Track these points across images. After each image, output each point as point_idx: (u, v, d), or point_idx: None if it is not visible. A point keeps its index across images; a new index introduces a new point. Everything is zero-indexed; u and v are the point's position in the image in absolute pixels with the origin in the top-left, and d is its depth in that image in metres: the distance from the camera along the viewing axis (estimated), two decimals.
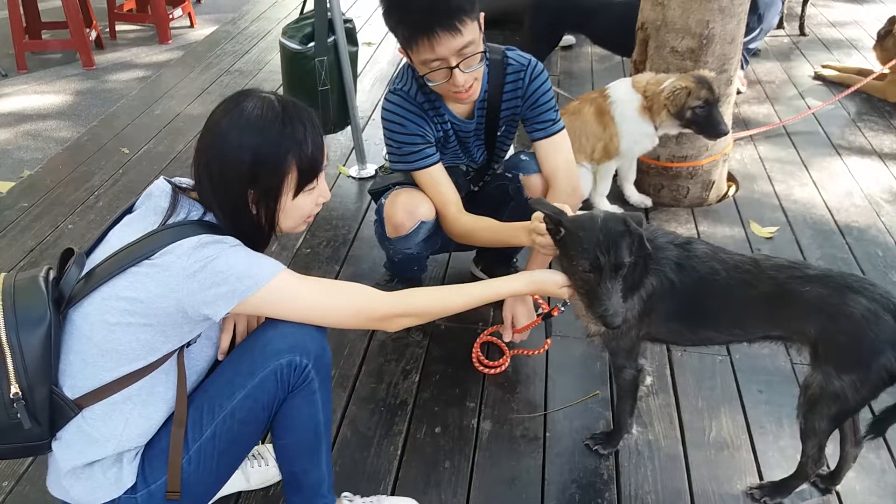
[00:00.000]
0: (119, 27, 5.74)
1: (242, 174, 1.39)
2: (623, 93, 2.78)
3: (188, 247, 1.34)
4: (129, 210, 1.49)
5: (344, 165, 3.44)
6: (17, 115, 4.27)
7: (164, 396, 1.46)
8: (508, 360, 2.29)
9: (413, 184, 2.16)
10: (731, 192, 3.28)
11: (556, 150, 2.16)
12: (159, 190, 1.45)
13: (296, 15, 3.17)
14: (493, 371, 2.27)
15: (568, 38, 4.86)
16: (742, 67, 4.17)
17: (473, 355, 2.30)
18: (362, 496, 1.82)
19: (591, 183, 2.98)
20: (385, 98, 2.13)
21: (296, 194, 1.46)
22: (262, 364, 1.46)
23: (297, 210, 1.50)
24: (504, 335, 2.20)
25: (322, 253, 2.87)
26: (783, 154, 3.58)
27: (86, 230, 3.00)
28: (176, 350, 1.44)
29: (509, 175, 2.26)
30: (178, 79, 4.59)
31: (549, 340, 2.23)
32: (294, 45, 2.95)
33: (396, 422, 2.12)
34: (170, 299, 1.34)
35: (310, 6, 3.00)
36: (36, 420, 1.34)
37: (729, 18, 2.65)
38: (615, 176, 3.12)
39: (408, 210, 2.10)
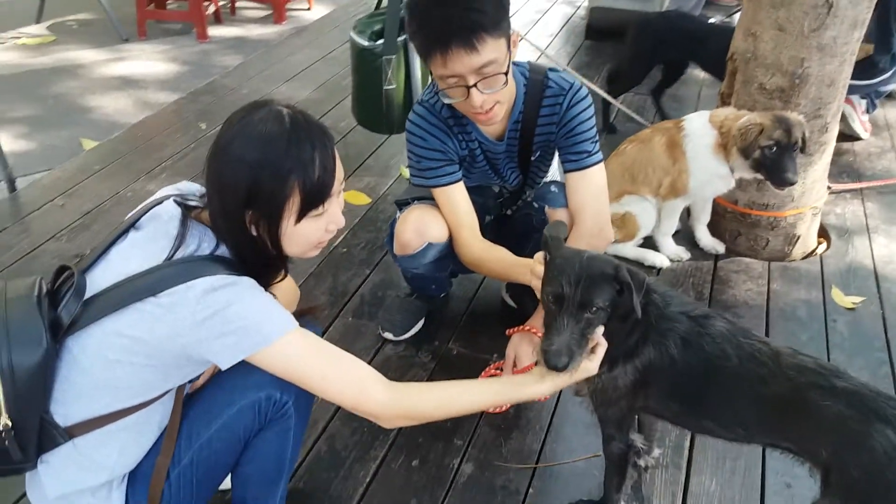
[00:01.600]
0: (240, 4, 5.92)
1: (239, 193, 1.29)
2: (699, 126, 2.52)
3: (200, 290, 1.25)
4: (133, 226, 1.39)
5: (406, 167, 3.35)
6: (125, 79, 4.48)
7: (160, 424, 1.43)
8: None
9: (434, 200, 2.04)
10: (819, 250, 2.92)
11: (587, 186, 1.96)
12: (168, 214, 1.38)
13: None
14: (494, 410, 2.09)
15: None
16: (868, 111, 3.73)
17: None
18: None
19: (655, 220, 2.74)
20: (412, 109, 2.01)
21: (298, 220, 1.34)
22: (242, 395, 1.41)
23: (302, 237, 1.37)
24: (504, 374, 2.04)
25: (357, 255, 2.79)
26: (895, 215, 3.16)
27: (142, 198, 3.07)
28: (174, 388, 1.41)
29: (536, 206, 2.08)
30: (274, 60, 4.66)
31: None
32: (362, 41, 2.88)
33: (375, 446, 2.00)
34: (175, 343, 1.27)
35: (385, 2, 2.92)
36: (24, 449, 1.29)
37: (829, 58, 2.33)
38: (688, 216, 2.86)
39: (417, 229, 1.98)
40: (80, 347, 1.29)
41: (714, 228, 2.89)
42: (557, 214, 2.03)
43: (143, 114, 3.98)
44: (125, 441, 1.38)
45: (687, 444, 2.03)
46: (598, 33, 5.03)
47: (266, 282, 1.49)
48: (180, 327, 1.26)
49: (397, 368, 2.26)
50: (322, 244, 1.46)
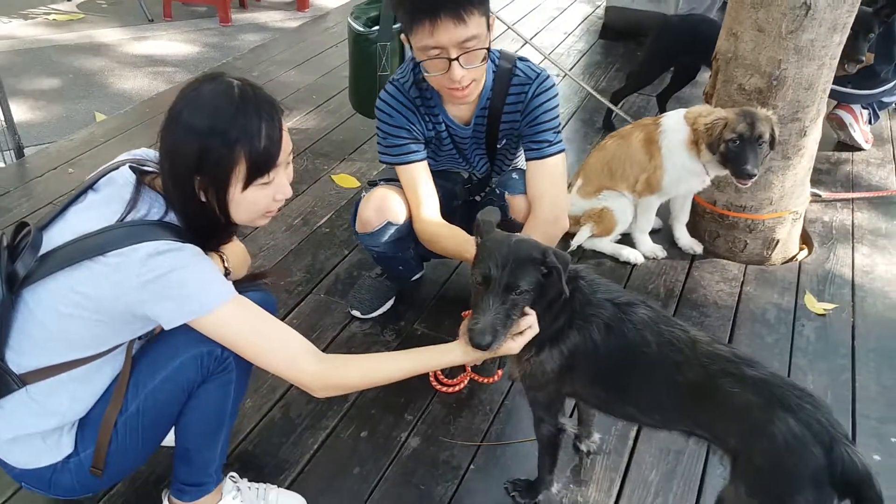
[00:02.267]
0: None
1: (189, 159, 1.37)
2: (673, 123, 2.55)
3: (144, 253, 1.34)
4: (91, 188, 1.48)
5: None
6: (146, 58, 4.63)
7: (110, 375, 1.51)
8: (466, 381, 2.18)
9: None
10: (800, 256, 2.92)
11: (546, 174, 2.01)
12: (123, 179, 1.46)
13: None
14: (447, 389, 2.16)
15: None
16: (870, 122, 3.70)
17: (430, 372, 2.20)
18: (251, 481, 1.80)
19: (632, 216, 2.77)
20: (383, 88, 2.07)
21: (245, 187, 1.41)
22: (185, 349, 1.48)
23: (249, 204, 1.45)
24: None
25: (339, 236, 2.86)
26: (883, 226, 3.13)
27: None
28: (126, 342, 1.49)
29: (497, 192, 2.13)
30: (287, 46, 4.76)
31: (500, 371, 2.10)
32: (357, 27, 2.95)
33: (328, 416, 2.07)
34: (120, 302, 1.36)
35: None
36: None
37: (807, 61, 2.34)
38: (667, 215, 2.89)
39: (378, 208, 2.05)
40: (35, 300, 1.38)
41: (693, 229, 2.90)
42: (516, 201, 2.08)
43: (157, 91, 4.11)
44: (76, 390, 1.47)
45: (633, 433, 2.06)
46: (613, 33, 5.04)
47: (212, 248, 1.58)
48: (125, 287, 1.34)
49: (361, 345, 2.33)
50: (270, 213, 1.53)
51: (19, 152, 3.21)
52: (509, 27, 3.71)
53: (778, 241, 2.80)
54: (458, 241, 1.95)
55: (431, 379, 2.18)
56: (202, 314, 1.38)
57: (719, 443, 1.46)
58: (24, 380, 1.42)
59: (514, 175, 2.13)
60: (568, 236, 2.87)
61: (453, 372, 2.21)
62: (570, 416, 2.02)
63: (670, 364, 1.47)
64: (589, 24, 5.40)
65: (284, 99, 3.98)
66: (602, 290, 1.57)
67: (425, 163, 2.04)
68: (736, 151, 2.34)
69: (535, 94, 2.00)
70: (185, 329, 1.42)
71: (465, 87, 1.86)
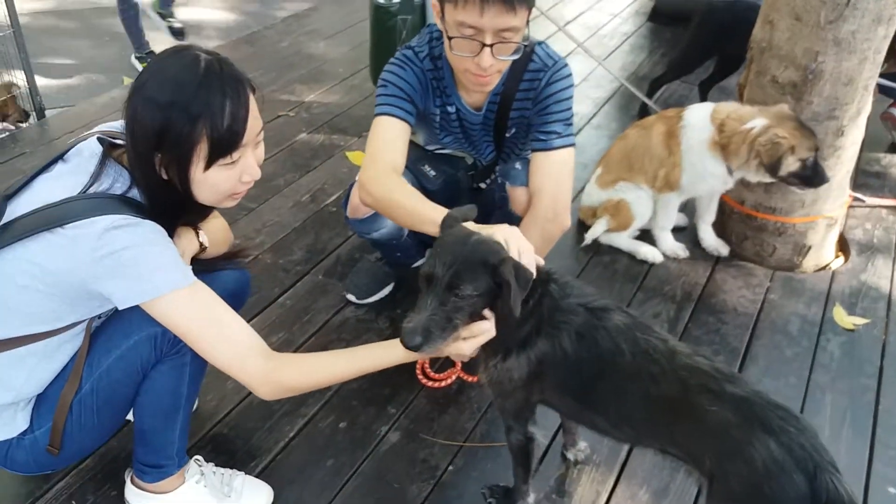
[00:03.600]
0: None
1: (149, 134, 1.30)
2: (698, 120, 2.38)
3: (101, 227, 1.28)
4: (61, 158, 1.43)
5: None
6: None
7: (69, 354, 1.47)
8: (454, 377, 2.09)
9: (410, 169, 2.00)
10: (834, 265, 2.73)
11: (550, 167, 1.86)
12: (90, 150, 1.41)
13: None
14: (433, 385, 2.07)
15: None
16: None
17: (419, 364, 2.11)
18: (220, 465, 1.74)
19: (651, 211, 2.63)
20: (401, 49, 1.94)
21: (207, 167, 1.33)
22: (139, 328, 1.44)
23: (212, 185, 1.37)
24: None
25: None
26: None
27: None
28: (86, 320, 1.44)
29: (499, 181, 2.01)
30: (321, 17, 4.69)
31: None
32: None
33: (308, 403, 2.01)
34: (75, 276, 1.31)
35: None
36: None
37: (847, 55, 2.14)
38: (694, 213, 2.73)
39: None
40: None
41: (721, 229, 2.74)
42: (517, 193, 1.96)
43: None
44: (33, 366, 1.43)
45: (626, 448, 1.95)
46: (663, 17, 4.83)
47: (182, 225, 1.51)
48: (80, 261, 1.29)
49: (353, 331, 2.26)
50: (238, 195, 1.45)
51: (40, 114, 3.22)
52: (542, 13, 3.55)
53: (810, 248, 2.62)
54: (410, 211, 1.65)
55: (418, 372, 2.09)
56: (152, 297, 1.32)
57: (695, 463, 1.34)
58: None
59: (518, 165, 2.01)
60: (583, 229, 2.75)
61: (442, 366, 2.12)
62: (559, 429, 1.92)
63: (645, 375, 1.35)
64: (638, 7, 5.19)
65: (309, 71, 3.93)
66: (575, 295, 1.45)
67: (407, 127, 1.85)
68: (813, 169, 2.23)
69: (549, 81, 1.86)
70: (141, 308, 1.36)
71: (487, 75, 1.74)
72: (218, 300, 1.39)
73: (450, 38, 1.69)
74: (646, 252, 2.65)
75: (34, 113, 3.21)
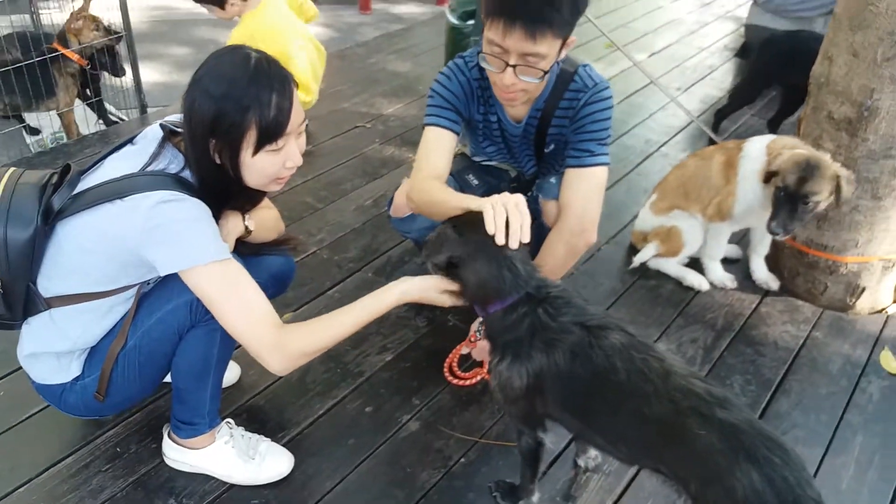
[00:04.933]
0: None
1: (205, 122, 1.47)
2: (755, 150, 2.39)
3: (154, 200, 1.45)
4: (130, 141, 1.64)
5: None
6: None
7: (120, 314, 1.66)
8: (479, 378, 2.18)
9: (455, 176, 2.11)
10: (892, 310, 2.65)
11: (580, 184, 1.94)
12: (153, 134, 1.61)
13: None
14: (459, 383, 2.17)
15: None
16: None
17: (447, 362, 2.22)
18: (248, 431, 1.90)
19: (702, 240, 2.64)
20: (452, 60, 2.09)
21: (255, 152, 1.51)
22: (179, 294, 1.60)
23: (259, 169, 1.54)
24: (468, 347, 2.11)
25: None
26: None
27: None
28: (136, 284, 1.63)
29: (534, 195, 2.10)
30: (410, 38, 4.89)
31: None
32: (453, 19, 3.01)
33: (340, 386, 2.15)
34: (127, 243, 1.49)
35: None
36: (9, 307, 1.57)
37: None
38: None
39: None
40: (65, 233, 1.54)
41: (774, 263, 2.71)
42: (548, 206, 2.05)
43: None
44: (89, 321, 1.63)
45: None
46: (750, 52, 4.78)
47: (231, 208, 1.68)
48: (133, 229, 1.47)
49: (391, 326, 2.39)
50: (282, 180, 1.62)
51: (143, 110, 3.55)
52: (619, 48, 3.62)
53: (864, 289, 2.56)
54: (445, 201, 1.79)
55: (445, 371, 2.20)
56: (189, 266, 1.48)
57: (682, 485, 1.36)
58: (49, 303, 1.59)
59: (552, 179, 2.10)
60: (633, 251, 2.79)
61: (469, 367, 2.22)
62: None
63: (639, 395, 1.38)
64: (728, 42, 5.15)
65: (391, 86, 4.13)
66: (572, 313, 1.50)
67: (452, 136, 1.98)
68: (777, 203, 2.23)
69: (588, 102, 1.94)
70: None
71: (511, 91, 1.84)
72: (247, 278, 1.53)
73: (483, 53, 1.81)
74: (692, 279, 2.66)
75: (137, 109, 3.54)
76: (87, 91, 3.55)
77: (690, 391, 1.35)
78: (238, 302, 1.51)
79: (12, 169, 1.60)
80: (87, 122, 3.66)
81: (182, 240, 1.47)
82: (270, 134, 1.49)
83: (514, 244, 1.50)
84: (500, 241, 1.49)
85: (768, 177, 2.24)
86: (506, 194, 1.55)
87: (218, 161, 1.52)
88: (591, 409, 1.49)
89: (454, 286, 1.61)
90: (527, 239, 1.51)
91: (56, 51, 3.35)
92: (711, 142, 3.60)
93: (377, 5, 5.68)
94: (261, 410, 2.06)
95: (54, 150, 3.38)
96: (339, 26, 5.23)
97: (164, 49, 4.61)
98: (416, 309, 2.45)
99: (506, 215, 1.50)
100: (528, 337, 1.51)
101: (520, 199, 1.54)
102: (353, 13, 5.54)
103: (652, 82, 3.90)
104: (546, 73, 1.77)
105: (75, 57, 3.39)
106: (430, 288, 1.63)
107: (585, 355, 1.45)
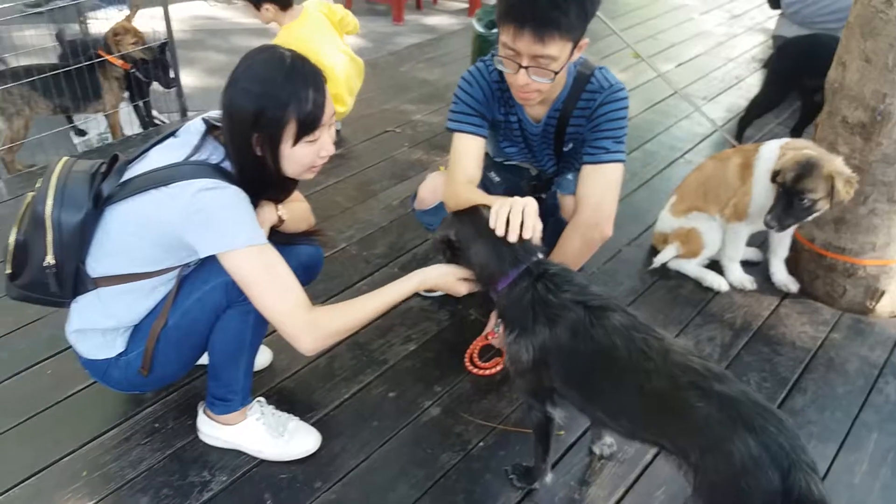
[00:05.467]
0: None
1: (246, 118, 1.58)
2: (770, 151, 2.45)
3: (196, 187, 1.55)
4: (173, 134, 1.73)
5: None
6: None
7: (162, 294, 1.77)
8: (499, 367, 2.25)
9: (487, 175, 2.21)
10: None
11: (596, 179, 2.01)
12: (195, 127, 1.72)
13: None
14: (479, 372, 2.25)
15: None
16: None
17: (468, 352, 2.30)
18: (278, 409, 2.00)
19: (721, 241, 2.70)
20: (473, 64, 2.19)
21: (295, 143, 1.63)
22: (216, 276, 1.71)
23: (298, 158, 1.66)
24: (490, 337, 2.19)
25: None
26: None
27: None
28: (178, 267, 1.75)
29: (552, 191, 2.18)
30: (440, 48, 5.03)
31: None
32: (479, 28, 3.11)
33: (366, 373, 2.24)
34: (170, 227, 1.61)
35: None
36: (60, 285, 1.69)
37: None
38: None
39: (434, 188, 2.18)
40: (112, 217, 1.66)
41: (793, 266, 2.75)
42: (566, 200, 2.13)
43: None
44: (133, 301, 1.75)
45: (653, 451, 2.03)
46: None
47: (262, 197, 1.78)
48: (175, 214, 1.58)
49: (414, 318, 2.48)
50: (316, 168, 1.73)
51: (183, 113, 3.71)
52: (644, 60, 3.70)
53: (883, 292, 2.59)
54: (470, 199, 1.87)
55: (466, 361, 2.28)
56: (227, 249, 1.58)
57: (683, 456, 1.43)
58: (97, 283, 1.71)
59: (570, 176, 2.18)
60: (653, 252, 2.85)
61: (489, 357, 2.30)
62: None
63: (639, 371, 1.46)
64: (756, 53, 5.19)
65: (420, 93, 4.26)
66: (573, 291, 1.59)
67: (480, 140, 2.08)
68: (777, 198, 2.31)
69: (603, 102, 2.02)
70: (218, 260, 1.63)
71: (526, 92, 1.91)
72: (282, 262, 1.63)
73: (498, 55, 1.90)
74: (712, 280, 2.71)
75: (178, 112, 3.70)
76: (132, 94, 3.73)
77: (689, 367, 1.42)
78: (272, 284, 1.61)
79: (65, 158, 1.74)
80: (131, 123, 3.83)
81: (221, 224, 1.58)
82: (308, 126, 1.60)
83: (511, 238, 1.62)
84: (499, 232, 1.62)
85: (774, 175, 2.29)
86: (517, 198, 1.65)
87: (259, 153, 1.63)
88: (593, 384, 1.58)
89: (468, 273, 1.70)
90: (527, 235, 1.63)
91: (101, 56, 3.52)
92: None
93: (410, 16, 5.82)
94: (291, 392, 2.16)
95: (100, 150, 3.56)
96: (373, 36, 5.37)
97: (203, 56, 4.79)
98: (441, 304, 2.54)
99: (508, 213, 1.62)
100: (530, 311, 1.60)
101: (530, 202, 1.65)
102: (386, 24, 5.69)
103: (676, 92, 3.98)
104: (557, 73, 1.84)
105: (118, 62, 3.55)
106: (446, 275, 1.74)
107: (587, 332, 1.53)
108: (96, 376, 1.85)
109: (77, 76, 3.40)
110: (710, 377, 1.39)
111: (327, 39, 3.31)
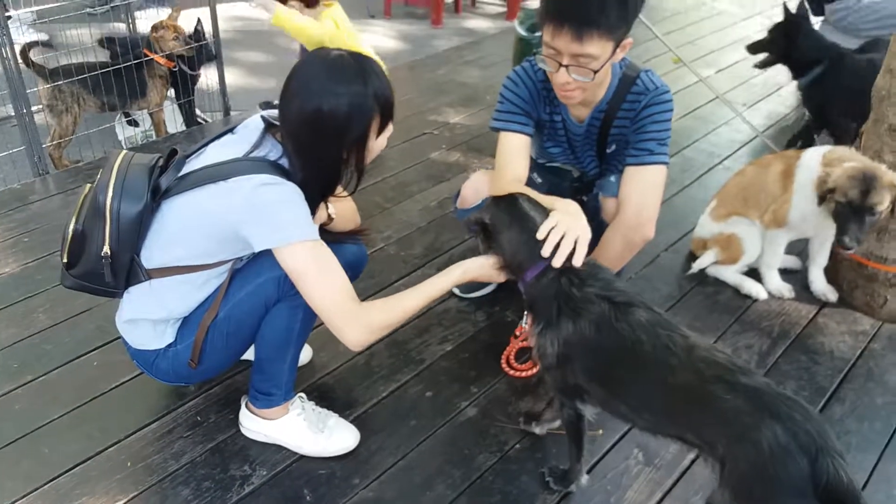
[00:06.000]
0: None
1: (339, 123, 1.61)
2: (811, 159, 2.43)
3: (256, 182, 1.59)
4: (231, 130, 1.80)
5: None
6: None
7: (213, 287, 1.82)
8: (535, 370, 2.26)
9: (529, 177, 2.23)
10: None
11: (639, 180, 2.03)
12: (254, 124, 1.76)
13: None
14: (516, 374, 2.27)
15: None
16: None
17: (504, 354, 2.32)
18: (318, 406, 2.04)
19: (760, 248, 2.68)
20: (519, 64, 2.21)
21: (378, 135, 1.70)
22: (269, 270, 1.75)
23: (377, 148, 1.73)
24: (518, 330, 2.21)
25: None
26: None
27: None
28: (231, 260, 1.79)
29: (594, 193, 2.19)
30: (480, 49, 5.06)
31: None
32: (521, 31, 3.12)
33: (403, 371, 2.27)
34: (228, 219, 1.65)
35: None
36: (115, 275, 1.75)
37: None
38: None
39: (476, 187, 2.20)
40: (170, 209, 1.71)
41: (833, 275, 2.72)
42: (608, 203, 2.14)
43: None
44: (185, 292, 1.79)
45: (690, 456, 2.03)
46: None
47: (328, 195, 1.82)
48: (234, 208, 1.62)
49: (452, 319, 2.50)
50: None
51: (226, 112, 3.79)
52: (686, 64, 3.70)
53: None
54: None
55: (503, 363, 2.29)
56: (283, 243, 1.62)
57: (709, 449, 1.45)
58: (150, 274, 1.75)
59: (612, 178, 2.19)
60: (692, 258, 2.84)
61: (526, 360, 2.31)
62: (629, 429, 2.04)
63: (664, 366, 1.49)
64: None
65: (458, 96, 4.29)
66: (598, 286, 1.61)
67: (527, 139, 2.11)
68: (842, 217, 2.26)
69: (648, 104, 2.03)
70: (272, 253, 1.66)
71: (567, 90, 1.93)
72: (333, 258, 1.67)
73: (540, 53, 1.92)
74: (750, 287, 2.69)
75: (221, 111, 3.78)
76: (177, 92, 3.81)
77: (714, 361, 1.45)
78: (324, 278, 1.65)
79: (125, 151, 1.79)
80: (175, 121, 3.91)
81: (278, 219, 1.62)
82: (389, 114, 1.68)
83: (555, 264, 1.64)
84: (544, 253, 1.64)
85: (824, 195, 2.27)
86: (574, 223, 1.69)
87: (345, 154, 1.67)
88: (617, 379, 1.60)
89: (500, 260, 1.73)
90: (576, 263, 1.65)
91: (146, 55, 3.60)
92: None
93: (449, 20, 5.86)
94: (330, 389, 2.20)
95: (144, 146, 3.64)
96: (412, 39, 5.42)
97: (244, 56, 4.88)
98: (478, 305, 2.56)
99: (560, 237, 1.64)
100: (554, 304, 1.62)
101: (585, 232, 1.69)
102: (425, 27, 5.73)
103: (718, 97, 3.95)
104: (597, 72, 1.86)
105: (162, 60, 3.63)
106: (486, 265, 1.76)
107: (610, 328, 1.55)
108: (144, 367, 1.89)
109: (125, 74, 3.49)
110: (736, 371, 1.42)
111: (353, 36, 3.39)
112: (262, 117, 1.76)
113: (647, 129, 2.03)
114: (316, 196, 1.74)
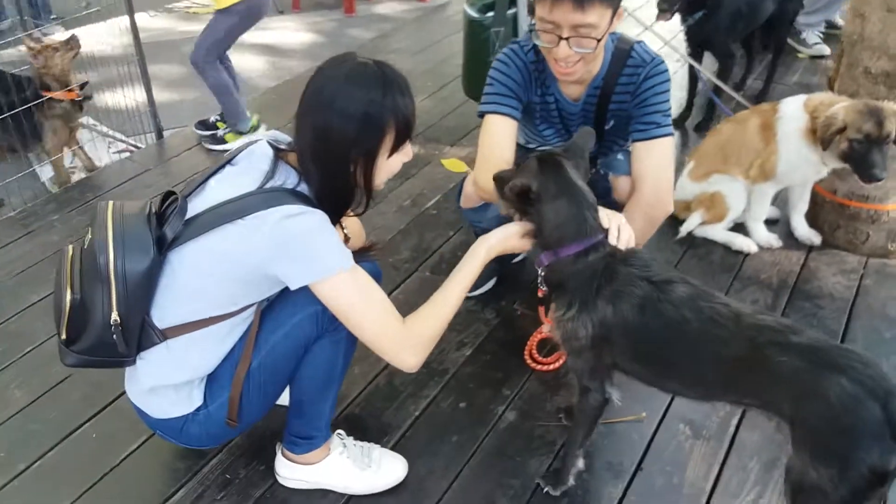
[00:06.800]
0: None
1: (348, 138, 1.48)
2: (792, 110, 2.46)
3: (278, 216, 1.44)
4: (229, 162, 1.60)
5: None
6: (270, 47, 4.90)
7: (239, 335, 1.64)
8: (561, 360, 2.21)
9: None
10: None
11: (650, 155, 1.99)
12: (260, 151, 1.59)
13: None
14: (542, 367, 2.21)
15: (821, 48, 4.31)
16: None
17: (526, 349, 2.25)
18: (357, 440, 1.91)
19: (745, 203, 2.70)
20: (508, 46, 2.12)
21: (390, 154, 1.55)
22: (304, 306, 1.60)
23: (390, 169, 1.59)
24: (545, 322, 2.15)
25: (445, 218, 2.96)
26: None
27: None
28: (256, 303, 1.62)
29: (602, 173, 2.14)
30: (407, 35, 4.92)
31: None
32: (472, 13, 3.02)
33: (430, 385, 2.17)
34: (253, 259, 1.48)
35: None
36: (127, 343, 1.54)
37: None
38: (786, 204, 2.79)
39: None
40: (179, 260, 1.53)
41: (812, 219, 2.79)
42: (620, 182, 2.09)
43: (279, 79, 4.36)
44: (208, 347, 1.61)
45: (734, 421, 2.03)
46: None
47: (341, 216, 1.68)
48: (258, 245, 1.46)
49: (463, 321, 2.41)
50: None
51: (159, 134, 3.51)
52: (630, 14, 3.65)
53: None
54: None
55: (526, 357, 2.23)
56: (322, 277, 1.48)
57: (773, 409, 1.44)
58: (165, 334, 1.56)
59: (620, 156, 2.14)
60: (677, 223, 2.84)
61: (549, 352, 2.25)
62: (669, 405, 2.02)
63: (714, 339, 1.46)
64: None
65: None
66: (638, 266, 1.57)
67: (515, 123, 2.03)
68: (862, 153, 2.25)
69: (648, 76, 1.99)
70: (304, 288, 1.51)
71: (569, 66, 1.88)
72: (371, 281, 1.55)
73: (537, 31, 1.85)
74: (741, 243, 2.72)
75: (154, 133, 3.50)
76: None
77: (763, 326, 1.43)
78: (370, 307, 1.53)
79: (112, 202, 1.59)
80: (98, 152, 3.59)
81: (311, 252, 1.48)
82: (405, 134, 1.54)
83: (620, 245, 1.61)
84: (613, 239, 1.61)
85: (831, 137, 2.28)
86: (611, 212, 1.67)
87: (352, 170, 1.53)
88: (666, 360, 1.57)
89: (528, 227, 1.63)
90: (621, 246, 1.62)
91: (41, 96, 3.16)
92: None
93: (360, 5, 5.66)
94: (358, 419, 2.07)
95: (79, 186, 3.32)
96: (327, 32, 5.20)
97: (158, 70, 4.53)
98: (485, 302, 2.48)
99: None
100: (596, 283, 1.56)
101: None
102: (338, 16, 5.51)
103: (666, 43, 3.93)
104: (599, 41, 1.81)
105: (60, 94, 3.18)
106: (510, 236, 1.66)
107: (655, 309, 1.51)
108: (170, 436, 1.71)
109: (14, 118, 3.04)
110: (786, 331, 1.41)
111: None
112: (269, 143, 1.61)
113: (651, 101, 1.99)
114: (330, 217, 1.58)
